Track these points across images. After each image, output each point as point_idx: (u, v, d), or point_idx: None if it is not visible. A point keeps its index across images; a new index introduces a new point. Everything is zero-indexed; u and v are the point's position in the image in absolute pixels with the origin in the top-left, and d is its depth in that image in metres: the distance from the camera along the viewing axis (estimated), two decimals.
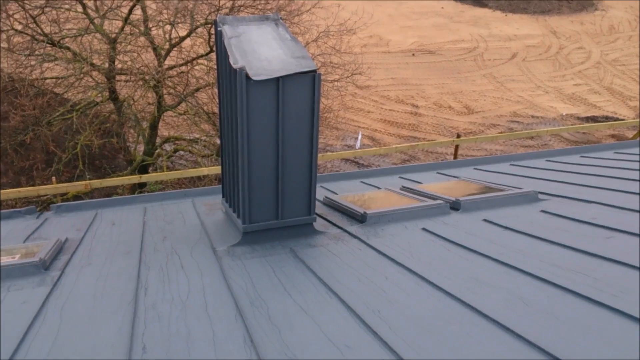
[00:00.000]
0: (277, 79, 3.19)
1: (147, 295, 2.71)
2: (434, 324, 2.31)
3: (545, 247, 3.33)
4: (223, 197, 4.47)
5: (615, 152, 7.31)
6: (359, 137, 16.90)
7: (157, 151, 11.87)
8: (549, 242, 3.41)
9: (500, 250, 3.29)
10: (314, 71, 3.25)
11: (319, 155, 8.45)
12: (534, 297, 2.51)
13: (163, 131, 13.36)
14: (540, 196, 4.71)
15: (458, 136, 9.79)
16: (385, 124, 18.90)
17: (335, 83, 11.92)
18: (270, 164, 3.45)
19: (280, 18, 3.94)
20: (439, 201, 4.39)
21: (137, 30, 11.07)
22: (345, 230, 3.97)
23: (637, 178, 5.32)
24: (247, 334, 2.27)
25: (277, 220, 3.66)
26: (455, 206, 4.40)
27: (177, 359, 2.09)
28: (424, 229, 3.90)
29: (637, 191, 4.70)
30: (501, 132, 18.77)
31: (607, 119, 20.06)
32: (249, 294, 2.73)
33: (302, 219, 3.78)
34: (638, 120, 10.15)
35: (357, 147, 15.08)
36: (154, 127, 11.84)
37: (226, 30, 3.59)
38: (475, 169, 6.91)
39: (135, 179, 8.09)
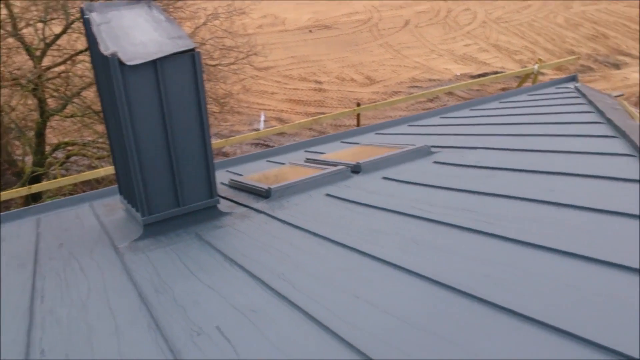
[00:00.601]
0: (155, 62, 3.12)
1: (43, 303, 2.60)
2: (335, 277, 2.40)
3: (438, 193, 3.54)
4: (121, 194, 4.34)
5: (500, 102, 7.82)
6: (262, 118, 16.85)
7: (48, 160, 11.18)
8: (441, 188, 3.62)
9: (398, 202, 3.45)
10: (193, 50, 3.21)
11: (223, 140, 8.37)
12: (423, 237, 2.67)
13: (52, 138, 12.60)
14: (433, 149, 4.96)
15: (358, 105, 10.03)
16: (291, 103, 18.97)
17: (232, 66, 11.77)
18: (161, 152, 3.39)
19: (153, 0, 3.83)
20: (340, 167, 4.51)
21: (4, 32, 10.26)
22: (251, 208, 3.99)
23: (516, 122, 5.74)
24: (151, 319, 2.25)
25: (179, 208, 3.61)
26: (356, 169, 4.53)
27: (78, 357, 2.04)
28: (327, 194, 4.00)
29: (517, 133, 5.07)
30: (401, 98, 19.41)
31: (496, 74, 21.29)
32: (153, 283, 2.69)
33: (204, 203, 3.75)
34: (521, 70, 10.90)
35: (261, 129, 15.05)
36: (40, 134, 11.12)
37: (94, 17, 3.45)
38: (376, 134, 7.14)
39: (24, 190, 7.56)
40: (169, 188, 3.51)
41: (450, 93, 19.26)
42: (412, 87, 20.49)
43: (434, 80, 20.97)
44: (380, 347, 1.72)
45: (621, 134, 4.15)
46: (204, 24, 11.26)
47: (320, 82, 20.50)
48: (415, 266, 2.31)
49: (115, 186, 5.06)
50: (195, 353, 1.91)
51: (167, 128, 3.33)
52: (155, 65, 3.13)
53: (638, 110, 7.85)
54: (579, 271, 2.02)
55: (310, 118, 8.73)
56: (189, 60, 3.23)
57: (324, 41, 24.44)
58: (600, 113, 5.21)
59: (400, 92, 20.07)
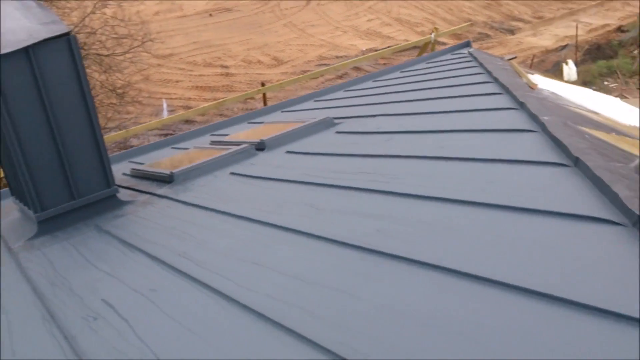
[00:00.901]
0: (27, 50, 2.94)
1: None
2: (239, 249, 2.40)
3: (339, 160, 3.62)
4: (12, 195, 4.08)
5: (401, 72, 8.07)
6: (165, 106, 16.36)
7: None
8: (342, 155, 3.71)
9: (301, 173, 3.50)
10: (68, 34, 3.05)
11: (124, 131, 8.05)
12: (323, 202, 2.73)
13: None
14: (336, 121, 5.05)
15: (263, 85, 10.00)
16: (198, 90, 18.54)
17: (127, 55, 11.30)
18: (47, 145, 3.21)
19: None
20: (244, 145, 4.49)
21: None
22: (154, 194, 3.90)
23: (414, 88, 5.97)
24: (46, 311, 2.16)
25: (74, 201, 3.46)
26: (260, 147, 4.53)
27: None
28: (232, 173, 3.97)
29: (414, 98, 5.28)
30: (312, 77, 19.52)
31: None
32: (48, 277, 2.58)
33: (102, 193, 3.62)
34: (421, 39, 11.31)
35: (164, 116, 14.64)
36: None
37: None
38: (282, 112, 7.16)
39: None
40: (60, 181, 3.35)
41: (358, 68, 19.60)
42: (320, 65, 20.62)
43: (341, 57, 21.22)
44: (276, 306, 1.75)
45: (505, 90, 4.42)
46: (92, 12, 10.69)
47: (226, 67, 20.16)
48: (313, 229, 2.36)
49: (7, 189, 4.76)
50: (91, 337, 1.87)
51: (49, 119, 3.16)
52: (27, 53, 2.95)
53: (530, 70, 8.41)
54: (467, 216, 2.15)
55: (213, 102, 8.60)
56: (64, 45, 3.07)
57: (226, 24, 24.00)
58: (489, 74, 5.52)
59: (308, 70, 20.14)
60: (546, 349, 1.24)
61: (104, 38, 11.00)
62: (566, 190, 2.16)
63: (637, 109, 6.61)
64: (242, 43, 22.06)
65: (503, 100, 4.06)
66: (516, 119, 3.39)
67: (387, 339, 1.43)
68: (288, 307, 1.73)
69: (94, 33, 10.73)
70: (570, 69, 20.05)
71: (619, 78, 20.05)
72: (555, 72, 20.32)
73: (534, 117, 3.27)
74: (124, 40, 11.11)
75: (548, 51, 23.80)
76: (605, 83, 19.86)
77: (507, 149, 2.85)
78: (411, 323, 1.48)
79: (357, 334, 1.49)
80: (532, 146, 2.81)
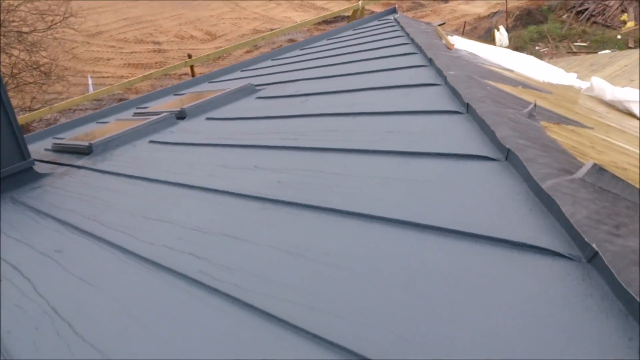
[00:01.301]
0: None
1: None
2: (145, 209, 2.41)
3: (256, 123, 3.65)
4: None
5: (328, 39, 8.12)
6: (89, 81, 15.77)
7: None
8: (260, 118, 3.74)
9: (217, 137, 3.51)
10: None
11: (47, 109, 7.74)
12: (234, 161, 2.77)
13: None
14: (258, 87, 5.07)
15: (189, 57, 9.82)
16: (131, 67, 17.95)
17: (50, 32, 10.78)
18: None
19: None
20: (164, 114, 4.43)
21: None
22: (73, 165, 3.82)
23: (337, 53, 6.03)
24: None
25: None
26: (181, 115, 4.49)
27: None
28: (150, 141, 3.93)
29: (334, 62, 5.34)
30: (247, 50, 19.28)
31: (335, 18, 21.86)
32: None
33: (17, 167, 3.52)
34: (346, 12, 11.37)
35: (90, 91, 14.15)
36: None
37: None
38: (209, 82, 7.08)
39: None
40: None
41: (292, 40, 19.45)
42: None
43: (276, 29, 21.00)
44: (172, 255, 1.79)
45: (420, 50, 4.54)
46: None
47: (158, 43, 19.57)
48: (219, 185, 2.40)
49: None
50: None
51: None
52: None
53: (462, 36, 8.63)
54: (363, 163, 2.24)
55: (140, 76, 8.38)
56: None
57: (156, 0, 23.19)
58: (408, 36, 5.65)
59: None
60: (445, 278, 1.34)
61: (23, 14, 10.43)
62: (455, 134, 2.28)
63: (554, 67, 6.94)
64: (174, 18, 21.43)
65: (416, 59, 4.19)
66: (423, 75, 3.52)
67: (281, 278, 1.50)
68: (183, 255, 1.78)
69: (14, 10, 10.16)
70: (502, 35, 20.65)
71: (549, 42, 20.83)
72: (488, 38, 20.89)
73: (440, 73, 3.40)
74: (47, 17, 10.58)
75: (480, 18, 24.41)
76: (537, 48, 20.58)
77: (411, 102, 2.96)
78: (307, 262, 1.55)
79: (250, 275, 1.55)
80: (434, 98, 2.93)
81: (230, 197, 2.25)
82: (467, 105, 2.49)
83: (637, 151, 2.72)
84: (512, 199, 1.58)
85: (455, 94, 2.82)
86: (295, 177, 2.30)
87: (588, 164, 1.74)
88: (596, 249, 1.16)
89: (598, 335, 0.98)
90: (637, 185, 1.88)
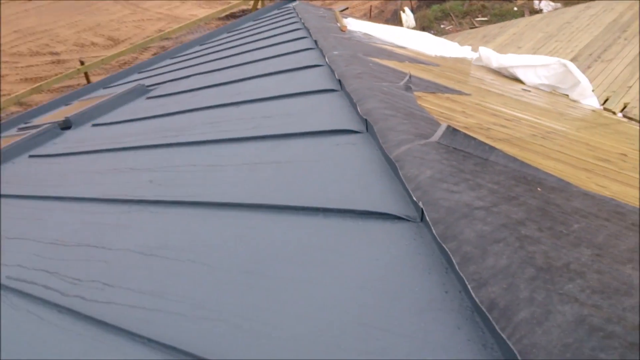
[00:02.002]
0: None
1: None
2: (9, 228, 2.24)
3: (143, 124, 3.50)
4: None
5: (228, 32, 7.97)
6: None
7: None
8: (147, 119, 3.59)
9: (101, 143, 3.33)
10: None
11: None
12: (108, 166, 2.63)
13: None
14: (151, 87, 4.88)
15: (82, 63, 9.32)
16: (29, 82, 16.87)
17: None
18: None
19: None
20: (45, 126, 4.17)
21: None
22: None
23: (235, 45, 5.92)
24: None
25: None
26: (65, 125, 4.24)
27: None
28: (31, 155, 3.68)
29: (227, 55, 5.24)
30: (154, 54, 18.63)
31: (243, 12, 21.55)
32: None
33: None
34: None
35: None
36: None
37: None
38: (104, 88, 6.76)
39: None
40: None
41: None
42: (162, 39, 19.71)
43: (183, 28, 20.41)
44: (22, 274, 1.66)
45: (309, 34, 4.52)
46: None
47: (57, 53, 18.53)
48: (89, 193, 2.27)
49: None
50: None
51: None
52: None
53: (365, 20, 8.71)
54: (235, 153, 2.16)
55: (30, 88, 7.88)
56: None
57: (49, 8, 21.91)
58: (301, 22, 5.62)
59: (150, 47, 19.19)
60: (291, 257, 1.29)
61: None
62: (327, 112, 2.26)
63: (449, 42, 7.15)
64: (71, 26, 20.35)
65: (305, 44, 4.16)
66: (308, 58, 3.49)
67: (128, 283, 1.40)
68: (36, 273, 1.65)
69: None
70: (408, 16, 21.12)
71: (452, 20, 21.53)
72: (395, 20, 21.33)
73: (323, 54, 3.38)
74: None
75: (387, 1, 24.87)
76: (442, 26, 21.21)
77: (292, 85, 2.92)
78: (159, 261, 1.47)
79: (98, 285, 1.44)
80: (314, 79, 2.91)
81: (98, 203, 2.13)
82: (340, 82, 2.47)
83: (510, 112, 2.82)
84: (367, 169, 1.57)
85: (334, 72, 2.81)
86: (168, 174, 2.21)
87: (442, 127, 1.76)
88: (421, 206, 1.16)
89: (420, 292, 0.97)
90: (494, 143, 1.93)
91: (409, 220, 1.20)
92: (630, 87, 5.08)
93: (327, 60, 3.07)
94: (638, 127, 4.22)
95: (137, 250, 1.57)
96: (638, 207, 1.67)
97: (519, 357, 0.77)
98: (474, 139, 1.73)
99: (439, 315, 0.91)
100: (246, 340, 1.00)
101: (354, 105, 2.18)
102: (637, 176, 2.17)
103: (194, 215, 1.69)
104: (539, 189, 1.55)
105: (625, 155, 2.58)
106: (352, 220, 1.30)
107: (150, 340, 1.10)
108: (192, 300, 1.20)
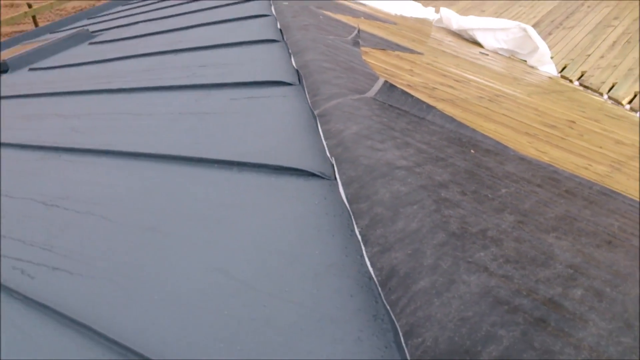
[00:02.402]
0: None
1: None
2: None
3: (81, 70, 3.28)
4: None
5: None
6: None
7: None
8: (86, 64, 3.37)
9: (33, 88, 3.10)
10: None
11: None
12: (34, 112, 2.45)
13: None
14: (95, 33, 4.60)
15: (30, 7, 8.69)
16: None
17: None
18: None
19: None
20: None
21: None
22: None
23: None
24: None
25: None
26: (3, 68, 3.96)
27: None
28: None
29: (182, 2, 4.97)
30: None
31: None
32: None
33: None
34: None
35: None
36: None
37: None
38: (51, 32, 6.37)
39: None
40: None
41: None
42: None
43: None
44: None
45: None
46: None
47: None
48: (8, 139, 2.09)
49: None
50: None
51: None
52: None
53: None
54: (168, 102, 2.01)
55: None
56: None
57: None
58: None
59: None
60: (196, 212, 1.18)
61: None
62: (265, 62, 2.13)
63: (412, 2, 6.98)
64: None
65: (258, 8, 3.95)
66: (256, 7, 3.30)
67: (25, 235, 1.27)
68: None
69: None
70: None
71: None
72: None
73: (271, 3, 3.20)
74: None
75: None
76: None
77: (235, 34, 2.75)
78: (58, 212, 1.34)
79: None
80: (258, 29, 2.75)
81: (12, 149, 1.96)
82: (281, 32, 2.33)
83: (461, 73, 2.73)
84: (291, 123, 1.46)
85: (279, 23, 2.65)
86: (92, 121, 2.05)
87: (379, 82, 1.65)
88: (332, 162, 1.06)
89: (319, 256, 0.88)
90: (435, 103, 1.84)
91: (322, 178, 1.10)
92: (589, 55, 5.07)
93: (273, 10, 2.91)
94: (592, 96, 4.22)
95: (39, 199, 1.43)
96: (575, 174, 1.61)
97: (400, 333, 0.69)
98: (412, 96, 1.63)
99: (333, 282, 0.82)
100: (125, 301, 0.90)
101: (291, 56, 2.05)
102: (582, 143, 2.13)
103: (106, 166, 1.56)
104: (472, 151, 1.47)
105: (573, 122, 2.54)
106: (265, 176, 1.19)
107: (26, 297, 0.99)
108: (80, 256, 1.09)
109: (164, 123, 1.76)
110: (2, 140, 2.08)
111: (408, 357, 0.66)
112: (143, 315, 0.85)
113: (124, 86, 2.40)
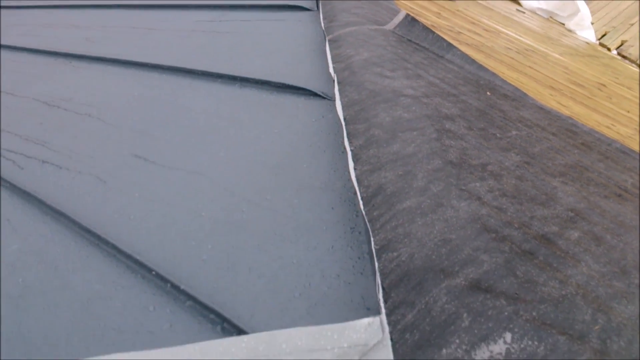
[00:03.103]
0: None
1: None
2: None
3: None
4: None
5: None
6: None
7: None
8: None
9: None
10: None
11: None
12: (85, 20, 2.42)
13: None
14: None
15: None
16: None
17: None
18: None
19: None
20: None
21: None
22: None
23: None
24: None
25: None
26: None
27: None
28: None
29: None
30: None
31: None
32: None
33: None
34: None
35: None
36: None
37: None
38: None
39: None
40: None
41: None
42: None
43: None
44: None
45: None
46: None
47: None
48: (30, 44, 2.07)
49: None
50: None
51: None
52: None
53: None
54: (187, 16, 1.96)
55: None
56: None
57: None
58: None
59: None
60: (199, 120, 1.15)
61: None
62: None
63: None
64: None
65: None
66: None
67: (24, 130, 1.26)
68: None
69: None
70: None
71: None
72: None
73: None
74: None
75: None
76: None
77: None
78: (58, 112, 1.32)
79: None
80: None
81: (27, 53, 1.94)
82: None
83: (491, 24, 2.60)
84: (302, 46, 1.40)
85: None
86: (106, 33, 2.00)
87: (400, 14, 1.57)
88: (334, 78, 1.01)
89: (306, 169, 0.85)
90: (458, 45, 1.76)
91: (323, 98, 1.05)
92: (632, 24, 4.82)
93: None
94: (629, 66, 4.03)
95: (42, 99, 1.42)
96: (595, 129, 1.54)
97: (374, 245, 0.66)
98: (433, 33, 1.55)
99: (316, 195, 0.79)
100: (104, 196, 0.88)
101: None
102: (609, 105, 2.03)
103: (114, 74, 1.53)
104: (488, 93, 1.40)
105: (603, 85, 2.43)
106: (267, 93, 1.15)
107: (14, 186, 0.98)
108: (71, 152, 1.07)
109: (175, 39, 1.71)
110: (20, 45, 2.06)
111: (377, 269, 0.63)
112: (120, 210, 0.83)
113: (140, 2, 2.34)
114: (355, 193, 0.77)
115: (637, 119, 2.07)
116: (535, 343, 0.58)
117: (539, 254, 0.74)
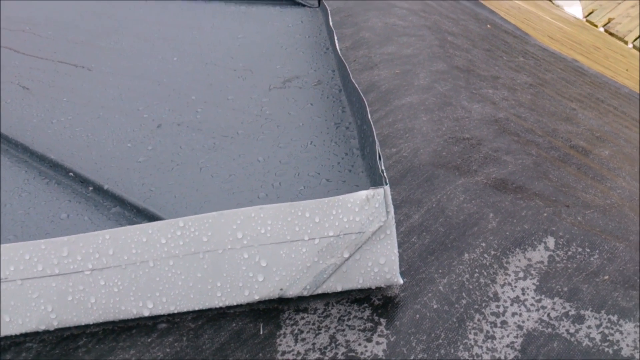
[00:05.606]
0: None
1: None
2: None
3: None
4: None
5: None
6: None
7: None
8: None
9: None
10: None
11: None
12: None
13: None
14: None
15: None
16: None
17: None
18: None
19: None
20: None
21: None
22: None
23: None
24: None
25: None
26: None
27: None
28: None
29: None
30: None
31: None
32: None
33: None
34: None
35: None
36: None
37: None
38: None
39: None
40: None
41: None
42: None
43: None
44: None
45: None
46: None
47: None
48: None
49: None
50: None
51: None
52: None
53: None
54: None
55: None
56: None
57: None
58: None
59: None
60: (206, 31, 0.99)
61: None
62: None
63: None
64: None
65: None
66: None
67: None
68: None
69: None
70: None
71: None
72: None
73: None
74: None
75: None
76: None
77: None
78: None
79: None
80: None
81: None
82: None
83: None
84: None
85: None
86: None
87: None
88: None
89: (286, 67, 0.69)
90: None
91: (304, 6, 0.90)
92: (620, 3, 4.72)
93: None
94: (616, 41, 3.93)
95: None
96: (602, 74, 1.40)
97: (358, 144, 0.51)
98: None
99: (294, 92, 0.63)
100: (29, 102, 0.71)
101: None
102: (607, 62, 1.92)
103: None
104: (488, 25, 1.26)
105: (599, 48, 2.32)
106: (235, 4, 0.99)
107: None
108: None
109: None
110: None
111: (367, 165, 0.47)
112: (41, 114, 0.66)
113: None
114: (340, 90, 0.62)
115: (637, 76, 1.96)
116: (587, 250, 0.44)
117: (571, 162, 0.59)
